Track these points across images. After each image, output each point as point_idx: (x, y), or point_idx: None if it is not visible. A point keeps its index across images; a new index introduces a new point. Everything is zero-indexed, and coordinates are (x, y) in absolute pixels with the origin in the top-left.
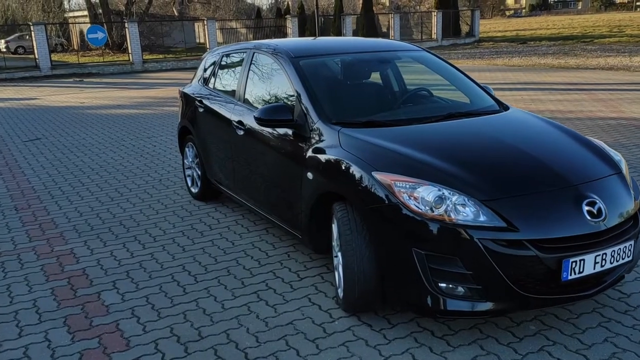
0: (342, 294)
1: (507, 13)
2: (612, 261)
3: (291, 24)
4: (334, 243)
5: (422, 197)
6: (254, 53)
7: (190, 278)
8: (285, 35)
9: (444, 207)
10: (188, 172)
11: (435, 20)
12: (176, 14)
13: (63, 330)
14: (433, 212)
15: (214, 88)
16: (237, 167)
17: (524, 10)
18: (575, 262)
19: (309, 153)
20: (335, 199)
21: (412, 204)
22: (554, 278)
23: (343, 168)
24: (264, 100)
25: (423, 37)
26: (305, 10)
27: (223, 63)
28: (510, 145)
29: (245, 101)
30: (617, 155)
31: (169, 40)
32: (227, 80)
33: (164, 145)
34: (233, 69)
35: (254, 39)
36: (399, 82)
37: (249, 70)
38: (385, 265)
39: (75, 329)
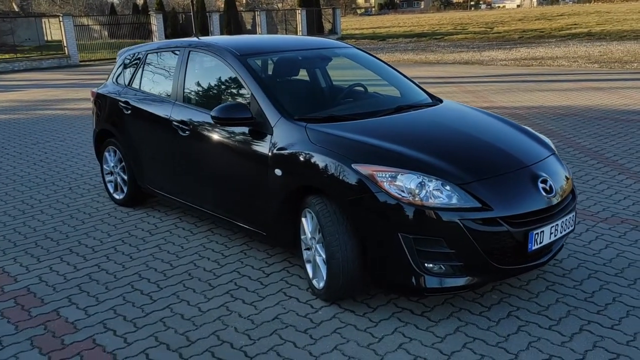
0: (323, 284)
1: (359, 11)
2: (561, 231)
3: (156, 21)
4: (305, 236)
5: (404, 185)
6: (189, 52)
7: (152, 285)
8: (150, 32)
9: (424, 192)
10: (109, 177)
11: (300, 18)
12: (17, 9)
13: (35, 353)
14: (415, 198)
15: (141, 88)
16: (181, 169)
17: (373, 9)
18: (538, 234)
19: (275, 150)
20: (306, 193)
21: (395, 192)
22: (521, 250)
23: (319, 162)
24: (210, 99)
25: (286, 34)
26: (164, 7)
27: (150, 62)
28: (465, 133)
29: (186, 100)
30: (546, 138)
31: (9, 39)
32: (158, 80)
33: (56, 151)
34: (164, 69)
35: (112, 36)
36: (326, 78)
37: (186, 69)
38: (372, 252)
39: (48, 349)
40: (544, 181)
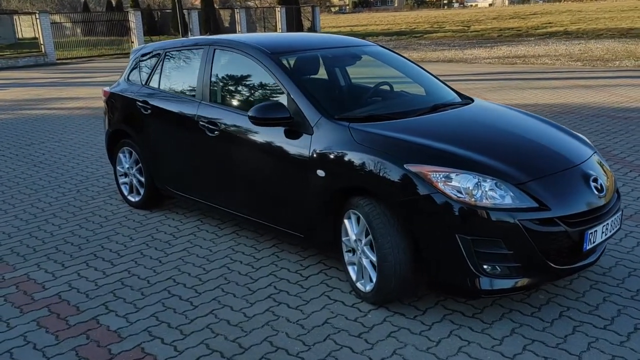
0: (371, 287)
1: (333, 9)
2: (610, 230)
3: (134, 18)
4: (347, 239)
5: (460, 185)
6: (214, 50)
7: (189, 290)
8: (128, 30)
9: (480, 192)
10: (124, 179)
11: (280, 16)
12: None
13: None
14: (472, 198)
15: (161, 87)
16: (208, 170)
17: (347, 7)
18: (592, 233)
19: (317, 150)
20: (351, 194)
21: (451, 193)
22: (577, 249)
23: (367, 163)
24: (241, 99)
25: (266, 32)
26: (139, 4)
27: (169, 61)
28: (510, 132)
29: (213, 100)
30: (584, 137)
31: None
32: (180, 79)
33: (54, 152)
34: (186, 67)
35: (88, 33)
36: (346, 77)
37: (212, 67)
38: (427, 254)
39: (96, 359)
40: (595, 180)
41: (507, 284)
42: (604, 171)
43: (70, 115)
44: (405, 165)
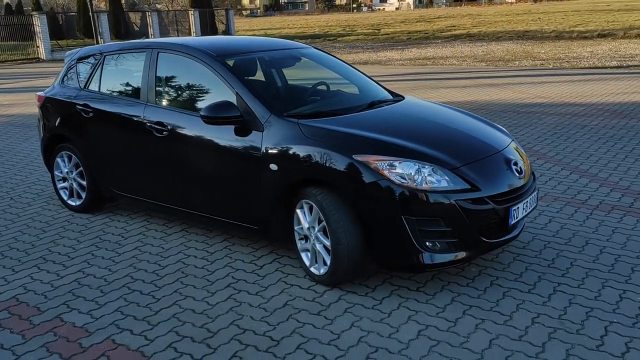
0: (325, 270)
1: (244, 12)
2: (529, 207)
3: (39, 22)
4: (299, 227)
5: (403, 172)
6: (158, 52)
7: (149, 285)
8: (32, 33)
9: (420, 178)
10: (63, 184)
11: (193, 19)
12: None
13: (56, 358)
14: (414, 183)
15: (102, 90)
16: (157, 170)
17: (259, 10)
18: (515, 209)
19: (269, 146)
20: (302, 185)
21: (396, 179)
22: (503, 224)
23: (318, 155)
24: (188, 100)
25: (179, 36)
26: (42, 7)
27: (109, 64)
28: (441, 124)
29: (160, 102)
30: (502, 127)
31: None
32: (122, 82)
33: None
34: (128, 70)
35: None
36: (282, 78)
37: (156, 70)
38: (377, 235)
39: (69, 353)
40: (515, 163)
41: (447, 257)
42: (521, 156)
43: None
44: (353, 156)
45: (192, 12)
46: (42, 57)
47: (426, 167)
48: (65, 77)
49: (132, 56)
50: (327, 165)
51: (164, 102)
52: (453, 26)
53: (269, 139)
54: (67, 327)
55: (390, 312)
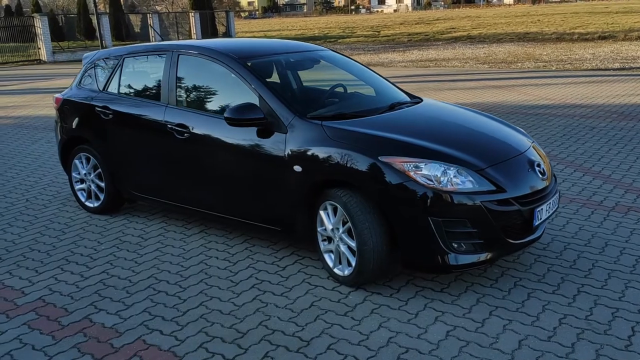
0: (350, 271)
1: (243, 15)
2: (552, 208)
3: (40, 24)
4: (323, 228)
5: (429, 173)
6: (178, 55)
7: (174, 286)
8: (34, 35)
9: (446, 179)
10: (80, 186)
11: (194, 21)
12: None
13: (89, 358)
14: (440, 184)
15: (121, 92)
16: (177, 172)
17: (257, 12)
18: (540, 211)
19: (293, 147)
20: (326, 187)
21: (422, 181)
22: (528, 225)
23: (343, 157)
24: (210, 102)
25: (180, 37)
26: (42, 9)
27: (128, 67)
28: (463, 125)
29: (180, 104)
30: (522, 129)
31: None
32: (142, 84)
33: None
34: (148, 72)
35: None
36: (297, 80)
37: (176, 72)
38: (403, 236)
39: (101, 354)
40: (539, 165)
41: (472, 258)
42: (542, 158)
43: None
44: (379, 158)
45: (192, 14)
46: (43, 59)
47: (452, 168)
48: (83, 79)
49: (151, 58)
50: (353, 166)
51: (185, 104)
52: (453, 28)
53: (292, 141)
54: (96, 327)
55: (416, 312)
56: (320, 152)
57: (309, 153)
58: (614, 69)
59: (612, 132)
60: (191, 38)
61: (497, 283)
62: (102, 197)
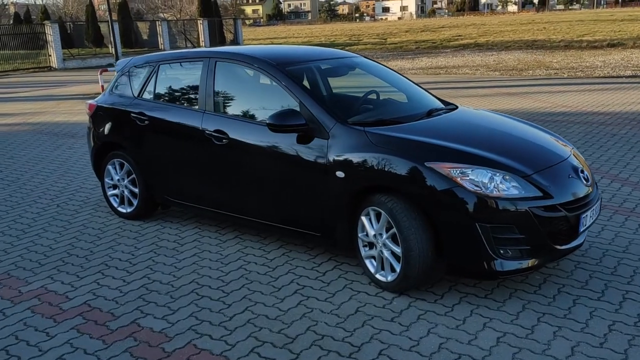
0: (393, 277)
1: (247, 22)
2: (595, 215)
3: (51, 31)
4: (363, 234)
5: (476, 179)
6: (215, 62)
7: (217, 291)
8: (45, 42)
9: (493, 185)
10: (113, 191)
11: (202, 28)
12: None
13: None
14: (487, 190)
15: (156, 99)
16: (215, 178)
17: (262, 20)
18: (585, 217)
19: (336, 153)
20: (369, 193)
21: (469, 187)
22: (573, 231)
23: (388, 163)
24: (249, 108)
25: (188, 45)
26: (50, 16)
27: (164, 73)
28: (505, 132)
29: (218, 110)
30: (560, 136)
31: None
32: (179, 90)
33: (11, 169)
34: (184, 79)
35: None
36: (327, 86)
37: (214, 79)
38: (449, 242)
39: (154, 358)
40: (582, 171)
41: (518, 264)
42: (582, 164)
43: (11, 131)
44: (425, 163)
45: (201, 21)
46: (53, 66)
47: (498, 174)
48: (116, 86)
49: (187, 65)
50: (398, 172)
51: (223, 110)
52: (459, 35)
53: (335, 147)
54: (145, 332)
55: (463, 319)
56: (364, 158)
57: (353, 159)
58: (626, 77)
59: (634, 139)
60: (199, 45)
61: (541, 289)
62: (135, 202)
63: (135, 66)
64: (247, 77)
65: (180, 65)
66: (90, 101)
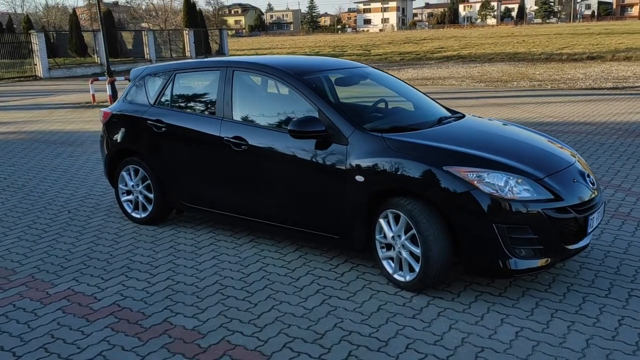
0: (412, 277)
1: (230, 33)
2: (601, 217)
3: (37, 40)
4: (381, 236)
5: (492, 182)
6: (233, 71)
7: (242, 292)
8: (30, 51)
9: (508, 188)
10: (128, 197)
11: (188, 39)
12: None
13: (180, 357)
14: (502, 193)
15: (173, 106)
16: (233, 183)
17: (244, 31)
18: (592, 218)
19: (355, 158)
20: (388, 196)
21: (486, 189)
22: (582, 232)
23: (407, 167)
24: (267, 116)
25: (173, 55)
26: (33, 26)
27: (180, 82)
28: (514, 139)
29: (237, 117)
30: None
31: None
32: (196, 99)
33: (15, 176)
34: (201, 87)
35: None
36: (334, 95)
37: (232, 87)
38: (467, 243)
39: (191, 353)
40: (588, 176)
41: (532, 263)
42: (589, 170)
43: (7, 140)
44: (443, 167)
45: (187, 31)
46: (39, 75)
47: (512, 178)
48: (130, 94)
49: (204, 74)
50: (417, 176)
51: (241, 118)
52: (441, 48)
53: (354, 152)
54: (178, 329)
55: (482, 315)
56: (384, 162)
57: (372, 164)
58: (607, 88)
59: (622, 147)
60: (185, 55)
61: (551, 288)
62: (149, 208)
63: (150, 74)
64: (265, 86)
65: (197, 74)
66: (104, 109)
